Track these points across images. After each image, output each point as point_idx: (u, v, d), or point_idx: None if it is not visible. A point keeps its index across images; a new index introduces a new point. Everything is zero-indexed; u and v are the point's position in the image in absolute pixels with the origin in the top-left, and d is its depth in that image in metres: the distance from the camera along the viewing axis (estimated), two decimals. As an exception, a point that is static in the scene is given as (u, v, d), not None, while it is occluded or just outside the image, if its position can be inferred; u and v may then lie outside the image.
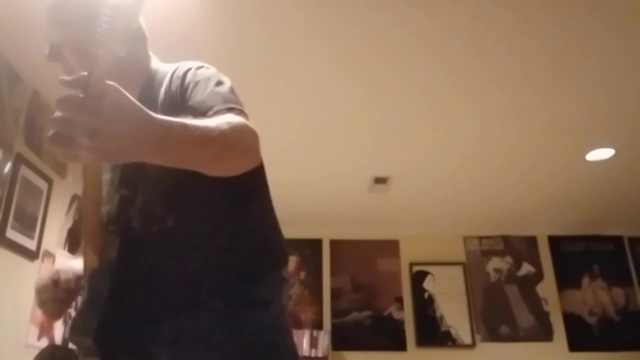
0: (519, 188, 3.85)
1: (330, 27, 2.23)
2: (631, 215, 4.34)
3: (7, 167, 2.34)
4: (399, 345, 4.25)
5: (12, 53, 2.34)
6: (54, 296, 1.05)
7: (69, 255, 2.87)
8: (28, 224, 2.49)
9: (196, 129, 0.75)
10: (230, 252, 0.98)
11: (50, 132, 0.62)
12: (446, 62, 2.45)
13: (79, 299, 1.04)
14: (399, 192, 3.90)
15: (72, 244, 2.91)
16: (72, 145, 0.62)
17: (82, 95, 0.62)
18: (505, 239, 4.65)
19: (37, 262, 2.55)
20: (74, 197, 2.97)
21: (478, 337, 4.29)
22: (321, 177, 3.71)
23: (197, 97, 0.94)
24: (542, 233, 4.63)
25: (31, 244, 2.50)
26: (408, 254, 4.56)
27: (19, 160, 2.43)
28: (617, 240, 4.60)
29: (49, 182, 2.68)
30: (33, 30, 2.15)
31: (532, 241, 4.63)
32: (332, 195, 4.01)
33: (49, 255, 2.66)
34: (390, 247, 4.59)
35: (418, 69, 2.50)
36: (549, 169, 3.53)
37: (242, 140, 0.84)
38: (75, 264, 1.10)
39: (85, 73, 0.63)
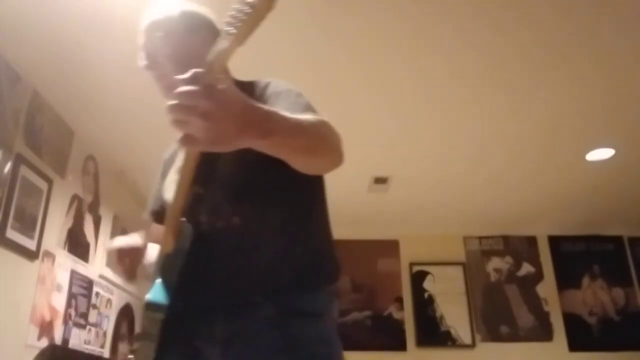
0: (519, 188, 3.85)
1: (332, 28, 2.23)
2: (631, 215, 4.34)
3: (7, 167, 2.34)
4: (399, 345, 4.25)
5: (12, 53, 2.34)
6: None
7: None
8: (28, 224, 2.49)
9: (292, 117, 0.80)
10: (290, 256, 1.01)
11: (170, 117, 0.67)
12: (447, 63, 2.45)
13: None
14: (399, 192, 3.90)
15: (72, 244, 2.91)
16: (188, 126, 0.67)
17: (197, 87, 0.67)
18: (505, 239, 4.65)
19: (37, 262, 2.55)
20: (74, 197, 2.96)
21: (478, 337, 4.29)
22: (321, 177, 3.70)
23: (281, 106, 0.99)
24: (542, 233, 4.63)
25: (31, 244, 2.50)
26: (408, 254, 4.56)
27: (19, 160, 2.42)
28: (617, 240, 4.60)
29: (49, 182, 2.68)
30: (33, 30, 2.15)
31: (532, 241, 4.63)
32: (332, 195, 3.97)
33: (49, 255, 2.65)
34: (390, 247, 4.59)
35: (419, 69, 2.50)
36: (548, 169, 3.53)
37: (331, 137, 0.91)
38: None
39: (200, 70, 0.68)
